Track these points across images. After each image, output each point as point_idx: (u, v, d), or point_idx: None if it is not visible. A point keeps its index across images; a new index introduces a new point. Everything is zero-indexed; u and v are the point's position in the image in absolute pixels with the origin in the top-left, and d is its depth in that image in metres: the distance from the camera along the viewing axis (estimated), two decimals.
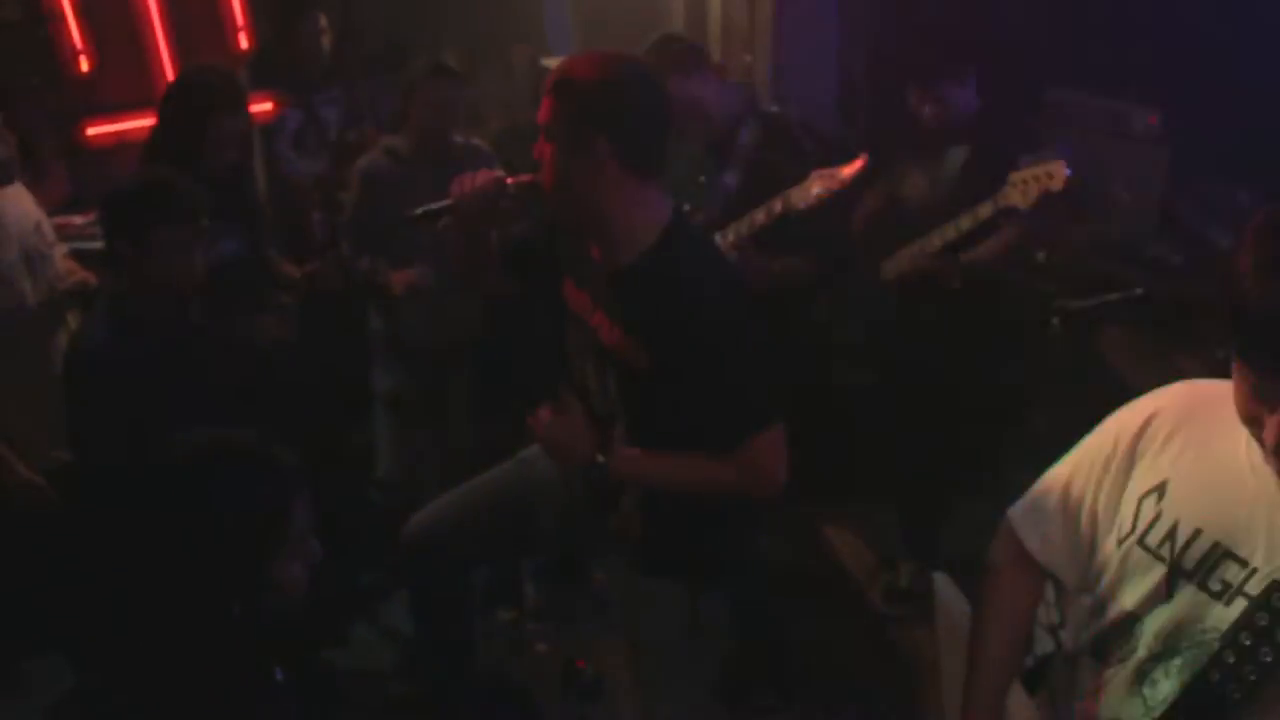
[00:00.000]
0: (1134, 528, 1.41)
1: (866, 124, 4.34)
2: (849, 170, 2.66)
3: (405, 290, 3.37)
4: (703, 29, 4.48)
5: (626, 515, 2.13)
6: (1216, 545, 1.33)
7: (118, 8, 4.05)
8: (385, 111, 4.12)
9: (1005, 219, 2.95)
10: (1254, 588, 1.29)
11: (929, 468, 3.36)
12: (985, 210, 2.90)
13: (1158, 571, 1.37)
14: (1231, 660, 1.28)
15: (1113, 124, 3.87)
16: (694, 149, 2.99)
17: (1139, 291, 3.26)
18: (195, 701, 1.39)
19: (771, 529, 3.04)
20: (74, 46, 3.98)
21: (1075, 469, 1.54)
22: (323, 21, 4.07)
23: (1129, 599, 1.41)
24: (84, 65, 4.02)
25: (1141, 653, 1.38)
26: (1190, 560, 1.34)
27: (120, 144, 3.98)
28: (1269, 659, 1.25)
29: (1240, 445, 1.34)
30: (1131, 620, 1.40)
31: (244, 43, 4.34)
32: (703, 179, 2.94)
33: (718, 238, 2.83)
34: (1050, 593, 1.67)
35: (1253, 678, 1.26)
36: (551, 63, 2.60)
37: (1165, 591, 1.36)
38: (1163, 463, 1.41)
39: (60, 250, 3.12)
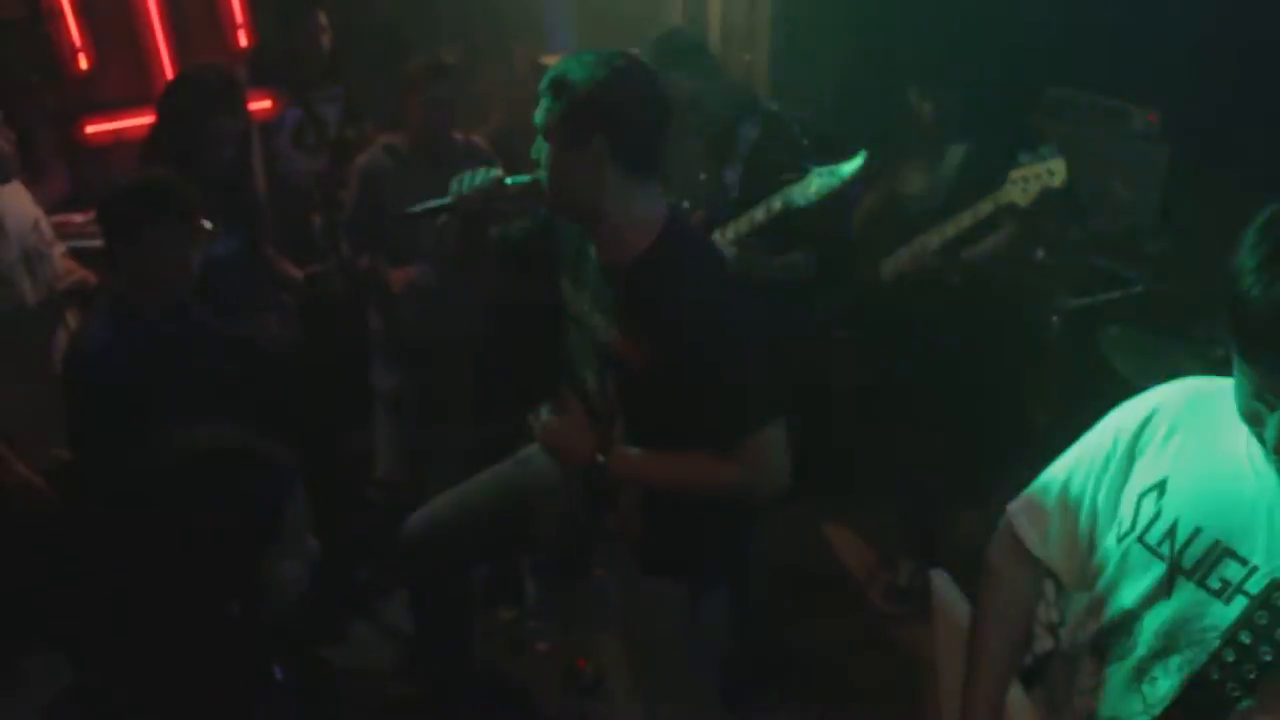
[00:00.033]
0: (1134, 525, 1.41)
1: (866, 122, 4.33)
2: (848, 167, 2.66)
3: (404, 289, 3.37)
4: (702, 27, 4.47)
5: (625, 514, 2.12)
6: (1216, 543, 1.33)
7: (117, 6, 4.04)
8: (385, 110, 4.12)
9: (1005, 216, 2.95)
10: (1254, 586, 1.29)
11: (928, 466, 3.36)
12: (985, 208, 2.91)
13: (1157, 569, 1.37)
14: (1231, 658, 1.28)
15: (1112, 122, 3.87)
16: (694, 145, 3.00)
17: (1138, 289, 3.26)
18: (194, 700, 1.39)
19: (771, 527, 3.04)
20: (73, 44, 3.97)
21: (1075, 466, 1.54)
22: (323, 19, 4.06)
23: (1128, 596, 1.40)
24: (83, 63, 4.00)
25: (1141, 650, 1.38)
26: (1190, 558, 1.34)
27: (119, 142, 3.97)
28: (1269, 657, 1.25)
29: (1240, 443, 1.34)
30: (1131, 618, 1.40)
31: (243, 40, 4.33)
32: (703, 177, 2.94)
33: (717, 235, 2.83)
34: (1050, 590, 1.67)
35: (1252, 676, 1.26)
36: (551, 61, 2.60)
37: (1165, 589, 1.36)
38: (1163, 460, 1.41)
39: (59, 249, 3.11)
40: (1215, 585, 1.32)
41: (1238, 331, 1.20)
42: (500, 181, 2.13)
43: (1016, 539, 1.60)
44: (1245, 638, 1.27)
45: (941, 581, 1.93)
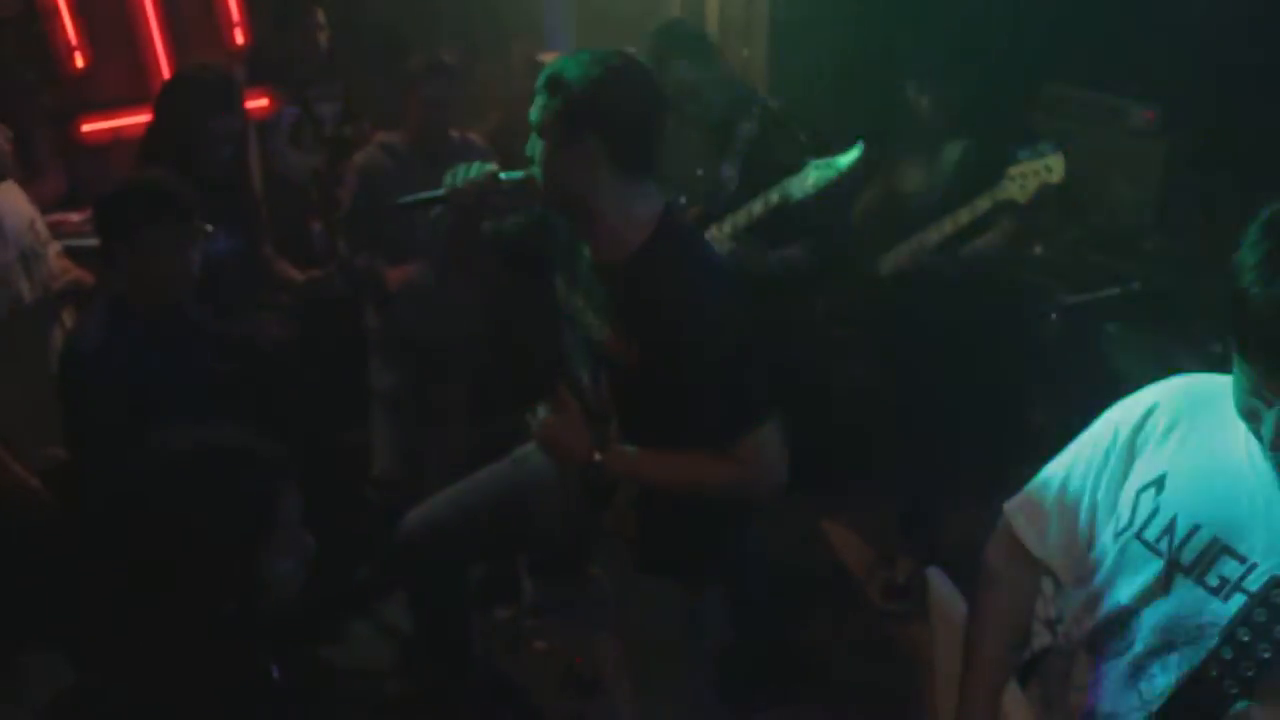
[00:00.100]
0: (1132, 521, 1.41)
1: (864, 119, 4.33)
2: (845, 160, 2.66)
3: (401, 287, 3.37)
4: (700, 23, 4.47)
5: (621, 513, 2.12)
6: (1215, 540, 1.32)
7: (113, 4, 4.03)
8: (382, 108, 4.11)
9: (1003, 213, 2.95)
10: (1253, 583, 1.28)
11: (927, 463, 3.36)
12: (983, 204, 2.91)
13: (1155, 566, 1.37)
14: (1229, 656, 1.28)
15: (1110, 118, 3.87)
16: (691, 140, 2.99)
17: (1136, 286, 3.26)
18: (191, 699, 1.39)
19: (770, 526, 3.04)
20: (69, 43, 3.96)
21: (1073, 463, 1.53)
22: (321, 17, 4.06)
23: (1126, 593, 1.40)
24: (79, 62, 3.99)
25: (1138, 647, 1.38)
26: (1189, 555, 1.34)
27: (115, 141, 3.96)
28: (1267, 655, 1.25)
29: (1239, 440, 1.34)
30: (1128, 614, 1.40)
31: (240, 39, 4.32)
32: (700, 172, 2.93)
33: (715, 230, 2.83)
34: (1049, 587, 1.66)
35: (1250, 673, 1.26)
36: (549, 59, 2.60)
37: (1163, 586, 1.36)
38: (1162, 456, 1.41)
39: (54, 248, 3.11)
40: (1214, 582, 1.31)
41: (1238, 329, 1.20)
42: (494, 176, 2.13)
43: (1014, 538, 1.59)
44: (1244, 635, 1.27)
45: (938, 580, 1.92)
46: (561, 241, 2.12)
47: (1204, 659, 1.30)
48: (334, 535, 2.69)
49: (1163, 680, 1.35)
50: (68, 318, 3.09)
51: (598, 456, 1.99)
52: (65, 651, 2.60)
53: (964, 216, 2.96)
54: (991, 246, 3.06)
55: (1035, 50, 3.83)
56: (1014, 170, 2.83)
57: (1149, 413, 1.44)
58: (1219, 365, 1.34)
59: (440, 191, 2.16)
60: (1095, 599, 1.46)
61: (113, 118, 3.99)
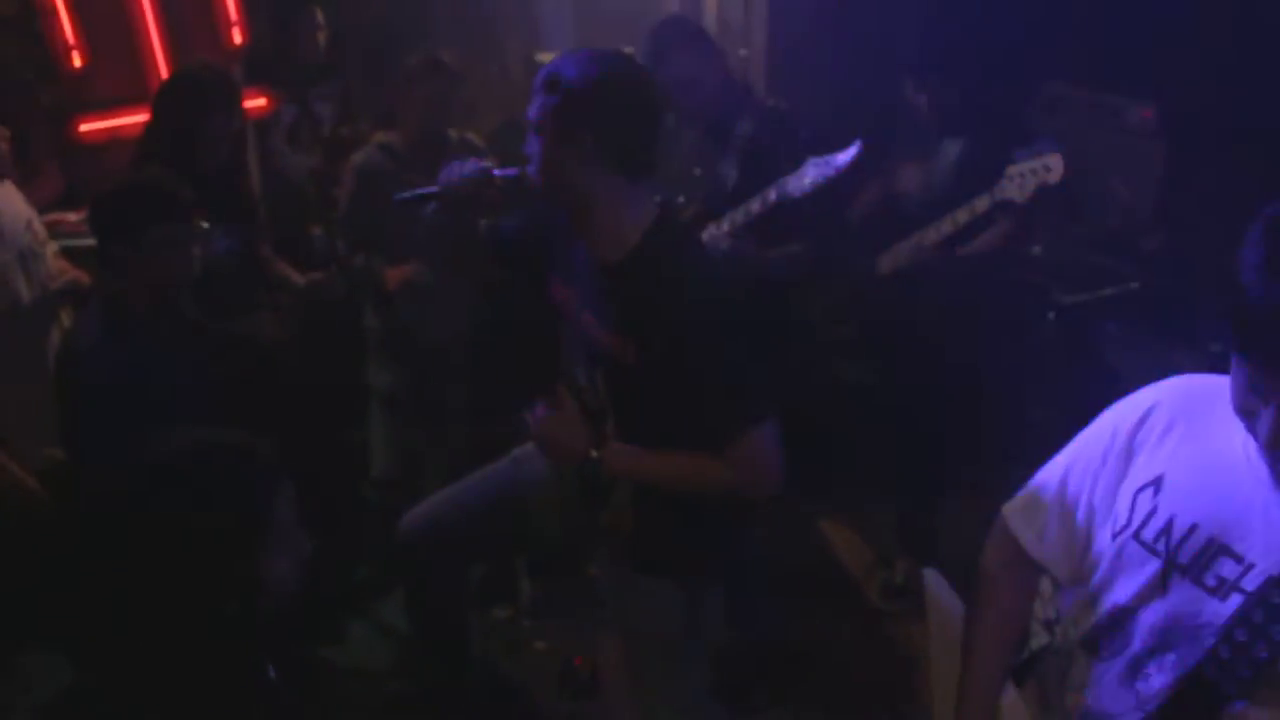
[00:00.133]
0: (1129, 521, 1.41)
1: (862, 118, 4.33)
2: (843, 157, 2.66)
3: (400, 286, 3.37)
4: (698, 24, 4.47)
5: (618, 512, 2.12)
6: (1213, 540, 1.32)
7: (110, 3, 4.03)
8: (380, 108, 4.11)
9: (1002, 213, 2.95)
10: (1250, 583, 1.28)
11: (925, 463, 3.36)
12: (982, 204, 2.90)
13: (1153, 566, 1.37)
14: (1226, 656, 1.27)
15: (1108, 118, 3.87)
16: (689, 139, 2.99)
17: (1134, 285, 3.26)
18: (188, 700, 1.39)
19: (768, 526, 3.04)
20: (66, 42, 3.96)
21: (1071, 463, 1.53)
22: (319, 17, 4.06)
23: (1123, 593, 1.40)
24: (77, 61, 3.99)
25: (1135, 647, 1.38)
26: (1186, 555, 1.34)
27: (113, 140, 3.96)
28: (1265, 655, 1.25)
29: (1237, 440, 1.34)
30: (1125, 614, 1.40)
31: (238, 38, 4.32)
32: (698, 171, 2.93)
33: (713, 228, 2.83)
34: (1047, 587, 1.66)
35: (1247, 674, 1.26)
36: (546, 58, 2.60)
37: (1160, 586, 1.35)
38: (1160, 457, 1.41)
39: (51, 248, 3.10)
40: (1211, 582, 1.31)
41: (1237, 326, 1.20)
42: (488, 173, 2.13)
43: (1013, 539, 1.59)
44: (1241, 635, 1.27)
45: (935, 581, 1.92)
46: (559, 240, 2.12)
47: (1201, 659, 1.30)
48: (333, 535, 2.69)
49: (1159, 680, 1.35)
50: (66, 317, 3.09)
51: (595, 454, 1.99)
52: (63, 652, 2.59)
53: (963, 216, 2.96)
54: (990, 246, 3.05)
55: (1033, 49, 3.83)
56: (1013, 170, 2.82)
57: (1147, 413, 1.44)
58: (1218, 364, 1.34)
59: (435, 188, 2.16)
60: (1093, 599, 1.45)
61: (110, 117, 4.00)
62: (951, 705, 1.61)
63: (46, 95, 3.91)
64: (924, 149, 3.14)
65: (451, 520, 2.46)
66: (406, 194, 2.22)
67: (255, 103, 3.89)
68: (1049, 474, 1.57)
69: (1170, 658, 1.34)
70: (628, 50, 3.45)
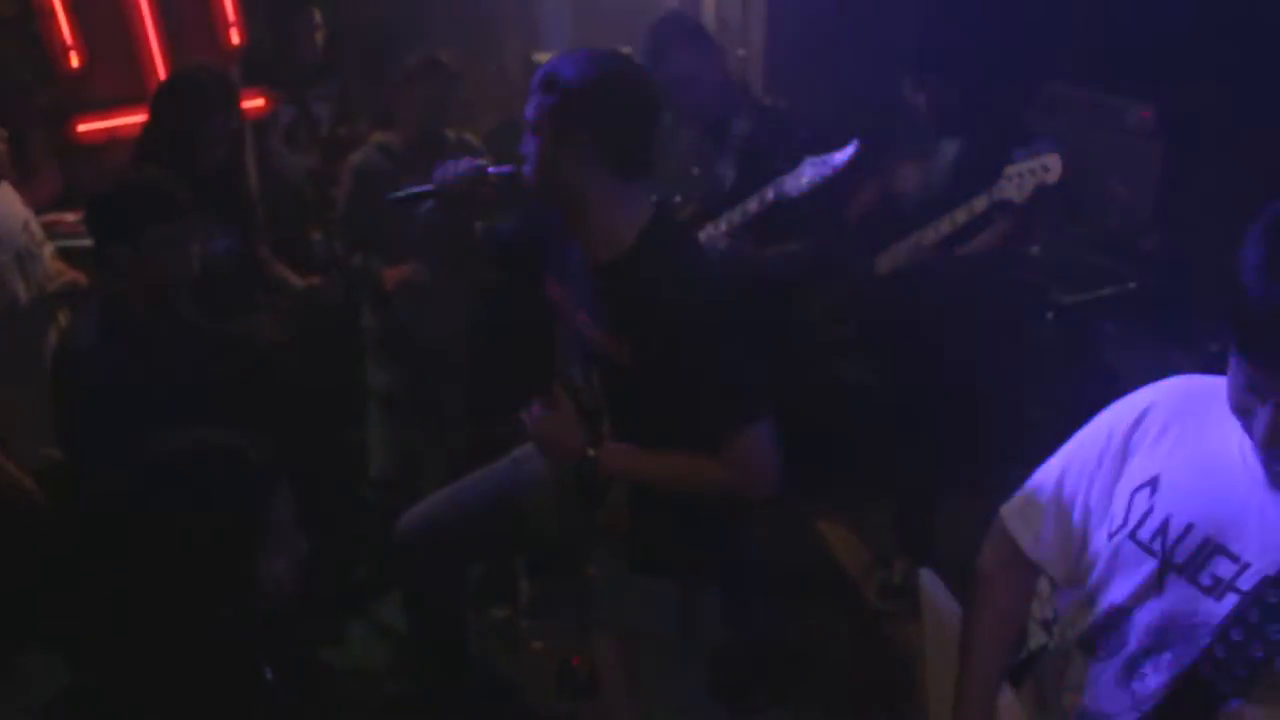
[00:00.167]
0: (1126, 521, 1.41)
1: (861, 118, 4.33)
2: (840, 157, 2.66)
3: (397, 287, 3.37)
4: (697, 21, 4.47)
5: (615, 512, 2.12)
6: (1208, 540, 1.32)
7: (108, 4, 4.03)
8: (377, 107, 4.11)
9: (1000, 213, 2.95)
10: (1245, 583, 1.28)
11: (923, 463, 3.36)
12: (980, 204, 2.90)
13: (1149, 565, 1.37)
14: (1222, 655, 1.28)
15: (1107, 118, 3.87)
16: (687, 139, 2.99)
17: (1132, 286, 3.26)
18: (185, 701, 1.38)
19: (765, 526, 3.04)
20: (64, 42, 3.96)
21: (1068, 464, 1.54)
22: (317, 17, 4.06)
23: (1119, 593, 1.40)
24: (74, 61, 3.99)
25: (1131, 647, 1.38)
26: (1182, 554, 1.34)
27: (111, 141, 3.95)
28: (1260, 654, 1.25)
29: (1233, 440, 1.34)
30: (1121, 614, 1.40)
31: (235, 39, 4.32)
32: (696, 171, 2.93)
33: (711, 228, 2.82)
34: (1045, 587, 1.66)
35: (1243, 673, 1.26)
36: (544, 58, 2.61)
37: (1156, 585, 1.36)
38: (1156, 457, 1.41)
39: (48, 249, 3.10)
40: (1207, 582, 1.31)
41: (1237, 325, 1.20)
42: (483, 171, 2.13)
43: (1010, 540, 1.59)
44: (1237, 635, 1.27)
45: (930, 581, 1.92)
46: (554, 239, 2.12)
47: (1197, 658, 1.30)
48: (331, 535, 2.69)
49: (1155, 680, 1.35)
50: (63, 319, 3.08)
51: (591, 453, 1.99)
52: (61, 652, 2.59)
53: (961, 216, 2.96)
54: (988, 246, 3.05)
55: (1032, 49, 3.83)
56: (1011, 170, 2.82)
57: (1143, 414, 1.45)
58: (1216, 364, 1.34)
59: (430, 187, 2.16)
60: (1089, 599, 1.46)
61: (108, 118, 3.99)
62: (948, 706, 1.61)
63: (44, 96, 3.90)
64: (922, 149, 3.14)
65: (450, 520, 2.46)
66: (401, 193, 2.23)
67: (253, 103, 3.89)
68: (1046, 475, 1.57)
69: (1166, 657, 1.34)
70: (626, 50, 3.46)
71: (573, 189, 1.92)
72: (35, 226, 3.06)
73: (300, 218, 3.95)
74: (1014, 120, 3.19)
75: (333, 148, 3.96)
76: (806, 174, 2.67)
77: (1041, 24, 3.82)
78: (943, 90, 3.03)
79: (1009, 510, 1.61)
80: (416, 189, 2.20)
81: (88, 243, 2.51)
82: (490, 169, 2.14)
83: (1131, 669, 1.37)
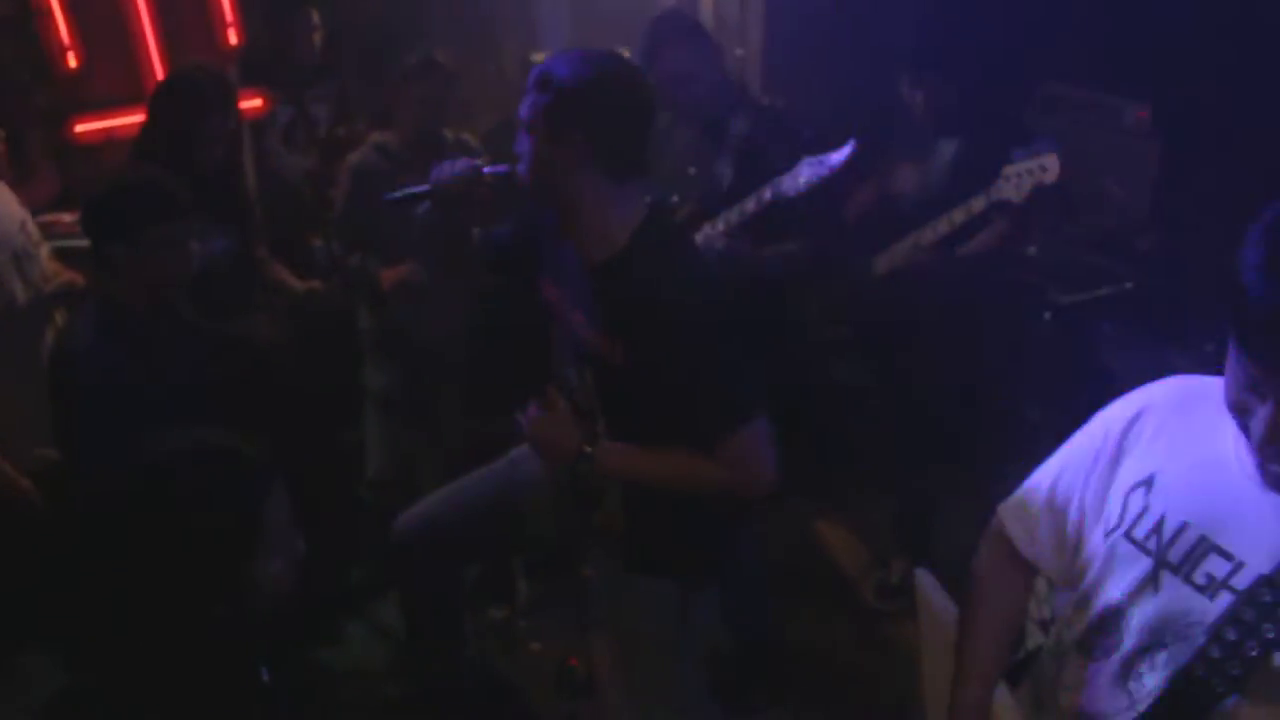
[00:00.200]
0: (1121, 520, 1.41)
1: (859, 118, 4.33)
2: (837, 157, 2.66)
3: (394, 287, 3.37)
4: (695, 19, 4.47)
5: (611, 512, 2.12)
6: (1203, 538, 1.33)
7: (106, 3, 4.03)
8: (375, 108, 4.10)
9: (998, 213, 2.95)
10: (1240, 582, 1.28)
11: (921, 463, 3.36)
12: (978, 204, 2.90)
13: (1144, 564, 1.37)
14: (1217, 655, 1.28)
15: (1103, 118, 3.87)
16: (684, 138, 2.99)
17: (1129, 285, 3.26)
18: (180, 702, 1.38)
19: (764, 526, 3.04)
20: (62, 43, 3.95)
21: (1064, 465, 1.54)
22: (315, 18, 4.05)
23: (1115, 592, 1.40)
24: (72, 61, 3.99)
25: (1127, 647, 1.38)
26: (1177, 553, 1.34)
27: (109, 141, 3.95)
28: (1255, 653, 1.25)
29: (1228, 440, 1.34)
30: (1117, 613, 1.40)
31: (233, 39, 4.32)
32: (693, 170, 2.93)
33: (708, 228, 2.82)
34: (1042, 587, 1.66)
35: (1238, 672, 1.26)
36: (542, 58, 2.61)
37: (1151, 584, 1.36)
38: (1151, 456, 1.41)
39: (45, 249, 3.10)
40: (1201, 581, 1.31)
41: (1239, 324, 1.20)
42: (478, 171, 2.13)
43: (1006, 539, 1.60)
44: (1231, 634, 1.27)
45: (927, 582, 1.92)
46: (549, 240, 2.12)
47: (1192, 658, 1.30)
48: (328, 536, 2.69)
49: (1151, 679, 1.35)
50: (60, 319, 3.08)
51: (588, 452, 1.99)
52: (59, 653, 2.59)
53: (959, 216, 2.95)
54: (986, 246, 3.05)
55: (1030, 49, 3.83)
56: (1009, 170, 2.82)
57: (1138, 414, 1.45)
58: (1212, 364, 1.34)
59: (426, 187, 2.16)
60: (1085, 599, 1.46)
61: (106, 118, 3.99)
62: (944, 706, 1.61)
63: (42, 96, 3.90)
64: (920, 149, 3.14)
65: (447, 521, 2.46)
66: (398, 193, 2.23)
67: (251, 103, 3.88)
68: (1042, 476, 1.57)
69: (1162, 656, 1.34)
70: (624, 50, 3.46)
71: (566, 189, 1.92)
72: (32, 227, 3.05)
73: (298, 218, 3.95)
74: (1012, 120, 3.19)
75: (331, 148, 3.96)
76: (804, 174, 2.67)
77: (1039, 24, 3.82)
78: (941, 90, 3.02)
79: (1006, 510, 1.61)
80: (413, 189, 2.20)
81: (85, 243, 2.50)
82: (486, 169, 2.14)
83: (1128, 669, 1.37)
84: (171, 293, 2.57)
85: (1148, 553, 1.37)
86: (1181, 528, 1.35)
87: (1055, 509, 1.53)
